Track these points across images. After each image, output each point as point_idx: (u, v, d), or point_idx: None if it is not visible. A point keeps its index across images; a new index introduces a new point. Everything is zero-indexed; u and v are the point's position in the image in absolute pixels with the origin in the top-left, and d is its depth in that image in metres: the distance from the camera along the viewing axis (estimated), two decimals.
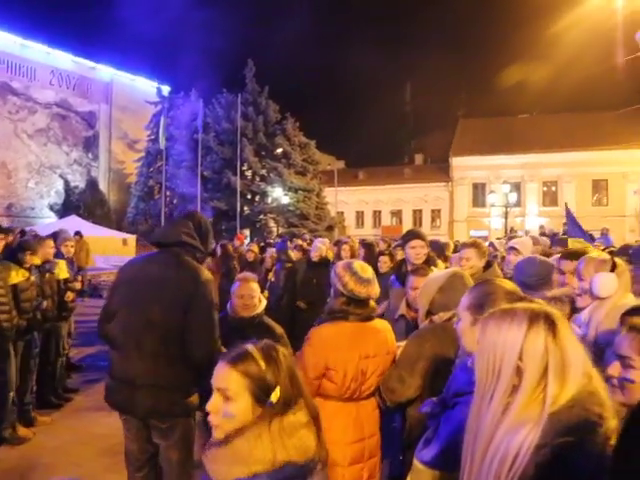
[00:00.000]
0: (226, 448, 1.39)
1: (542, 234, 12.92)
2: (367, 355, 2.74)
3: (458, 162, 39.93)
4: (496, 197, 30.04)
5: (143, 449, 3.05)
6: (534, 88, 67.68)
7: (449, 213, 41.13)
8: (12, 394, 5.09)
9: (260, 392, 1.41)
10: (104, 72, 36.64)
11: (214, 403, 1.42)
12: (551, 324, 1.32)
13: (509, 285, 2.02)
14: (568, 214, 5.82)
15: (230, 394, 1.40)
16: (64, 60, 34.14)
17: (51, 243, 6.12)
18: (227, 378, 1.42)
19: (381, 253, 6.54)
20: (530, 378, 1.28)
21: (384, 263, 6.07)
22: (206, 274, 3.06)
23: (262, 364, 1.44)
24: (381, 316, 3.37)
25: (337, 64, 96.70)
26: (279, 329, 3.67)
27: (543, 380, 1.28)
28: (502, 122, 40.68)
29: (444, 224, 41.17)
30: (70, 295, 6.25)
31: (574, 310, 2.90)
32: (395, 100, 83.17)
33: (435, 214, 42.13)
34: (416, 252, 4.22)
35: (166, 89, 36.87)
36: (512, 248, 5.07)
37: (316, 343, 2.72)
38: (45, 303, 5.56)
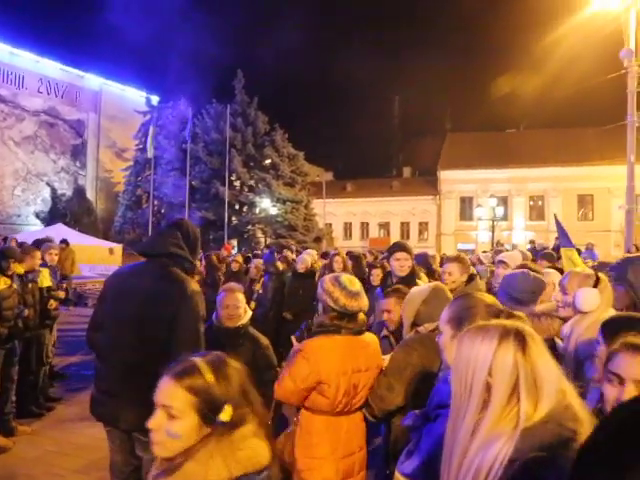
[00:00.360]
0: (178, 475, 1.28)
1: (532, 249, 12.99)
2: (359, 369, 2.74)
3: (446, 175, 40.23)
4: (483, 211, 30.25)
5: (127, 461, 3.01)
6: (521, 103, 68.63)
7: (437, 226, 41.34)
8: None
9: (207, 410, 1.29)
10: (93, 81, 36.60)
11: (156, 421, 1.31)
12: (521, 340, 1.32)
13: (489, 299, 2.05)
14: (558, 225, 5.87)
15: (174, 412, 1.29)
16: (53, 68, 34.06)
17: (39, 254, 6.08)
18: (171, 394, 1.30)
19: (373, 266, 6.54)
20: (499, 394, 1.29)
21: (376, 276, 6.04)
22: (193, 286, 3.00)
23: (210, 378, 1.31)
24: (369, 328, 3.37)
25: (326, 76, 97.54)
26: (265, 340, 3.67)
27: (514, 396, 1.28)
28: (489, 136, 41.16)
29: (431, 237, 41.36)
30: (53, 303, 6.18)
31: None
32: (384, 113, 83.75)
33: (423, 227, 42.31)
34: (400, 264, 4.25)
35: (155, 99, 36.84)
36: (501, 262, 5.09)
37: (310, 356, 2.69)
38: (27, 311, 5.48)
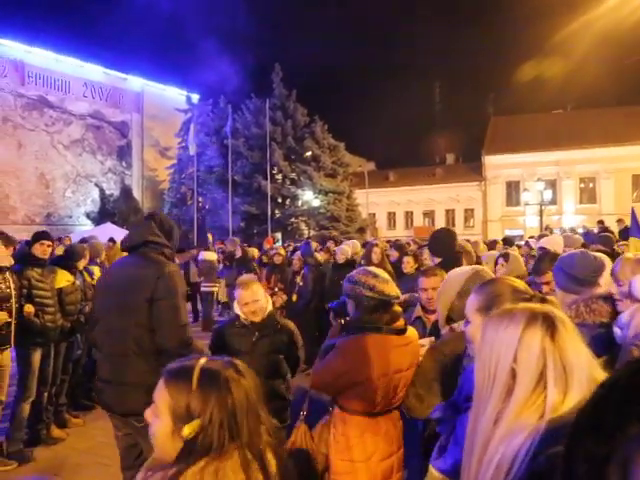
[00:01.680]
0: None
1: (603, 229, 12.18)
2: (400, 369, 2.62)
3: (491, 160, 39.30)
4: (530, 195, 29.38)
5: (131, 448, 3.10)
6: (567, 83, 66.29)
7: (482, 212, 40.51)
8: (46, 394, 5.22)
9: (178, 419, 1.18)
10: (135, 82, 37.40)
11: (147, 413, 1.26)
12: (550, 325, 1.23)
13: (519, 283, 1.92)
14: (633, 215, 5.67)
15: (156, 410, 1.23)
16: (96, 72, 34.98)
17: (88, 252, 6.36)
18: (157, 392, 1.24)
19: (405, 253, 6.45)
20: (524, 381, 1.20)
21: (407, 263, 6.00)
22: (171, 267, 3.10)
23: (193, 386, 1.20)
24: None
25: (365, 65, 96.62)
26: (291, 324, 3.68)
27: (540, 384, 1.19)
28: (535, 118, 39.91)
29: (477, 224, 40.55)
30: None
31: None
32: (425, 100, 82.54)
33: (468, 214, 41.54)
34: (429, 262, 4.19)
35: (195, 97, 37.36)
36: (541, 248, 4.90)
37: (348, 355, 2.58)
38: (88, 307, 5.68)
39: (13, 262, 4.78)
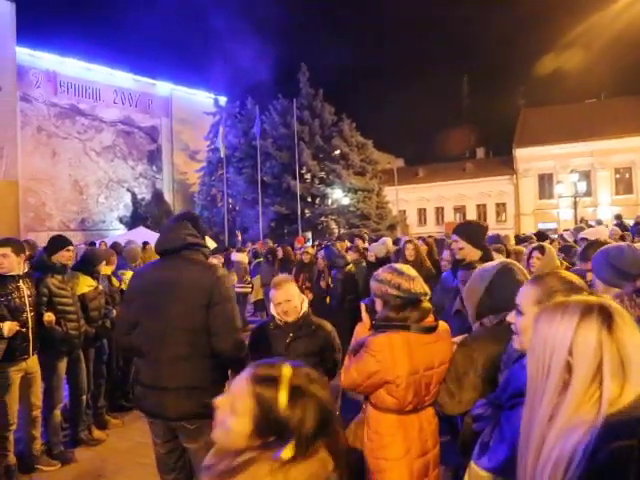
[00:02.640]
0: None
1: (619, 224, 12.16)
2: (432, 366, 2.58)
3: (522, 153, 38.62)
4: (564, 187, 28.73)
5: (170, 453, 3.10)
6: (600, 71, 64.56)
7: (515, 206, 39.84)
8: (84, 398, 5.30)
9: (265, 427, 1.18)
10: (163, 87, 37.93)
11: (222, 401, 1.26)
12: (607, 317, 1.18)
13: (575, 278, 1.87)
14: None
15: (235, 408, 1.22)
16: (125, 79, 35.60)
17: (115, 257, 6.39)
18: (240, 391, 1.23)
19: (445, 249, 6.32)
20: (580, 375, 1.16)
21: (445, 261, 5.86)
22: (221, 270, 3.14)
23: (283, 400, 1.18)
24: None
25: (390, 61, 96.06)
26: (328, 325, 3.61)
27: (597, 378, 1.15)
28: (567, 109, 39.02)
29: (510, 218, 39.90)
30: None
31: None
32: (453, 94, 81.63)
33: (500, 208, 40.91)
34: (453, 246, 4.13)
35: (223, 99, 37.68)
36: (584, 239, 4.76)
37: (377, 354, 2.53)
38: (114, 312, 5.69)
39: (27, 269, 4.68)
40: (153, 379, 2.97)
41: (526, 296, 1.80)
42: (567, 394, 1.16)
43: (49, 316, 4.66)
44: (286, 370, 1.23)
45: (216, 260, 6.24)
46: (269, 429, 1.18)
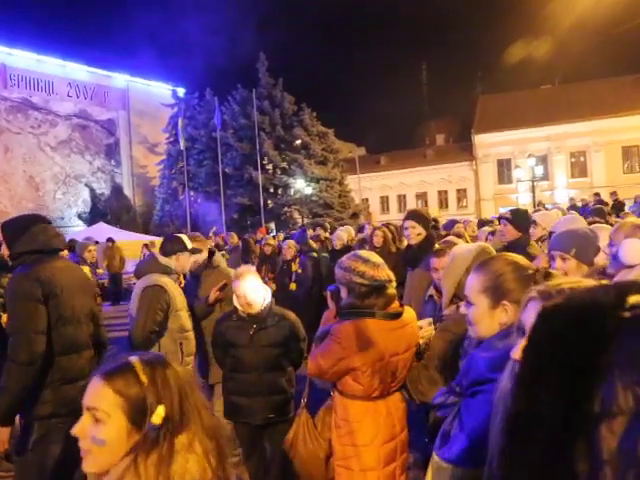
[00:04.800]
0: None
1: (572, 207, 12.56)
2: (397, 352, 2.59)
3: (481, 139, 39.23)
4: (522, 172, 29.36)
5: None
6: (553, 57, 66.04)
7: (475, 192, 40.51)
8: None
9: (137, 414, 1.17)
10: (119, 79, 37.04)
11: (82, 425, 1.19)
12: None
13: (518, 259, 1.86)
14: None
15: (99, 415, 1.17)
16: (80, 71, 34.61)
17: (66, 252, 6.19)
18: (98, 396, 1.18)
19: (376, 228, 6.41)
20: None
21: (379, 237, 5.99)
22: None
23: (144, 380, 1.19)
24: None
25: (350, 49, 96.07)
26: (292, 315, 3.61)
27: None
28: (524, 95, 39.77)
29: (471, 203, 40.58)
30: (96, 299, 6.30)
31: None
32: (411, 82, 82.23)
33: (461, 194, 41.54)
34: (408, 232, 4.16)
35: (181, 91, 37.05)
36: (533, 222, 4.88)
37: (343, 341, 2.54)
38: None
39: None
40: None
41: (472, 286, 1.79)
42: None
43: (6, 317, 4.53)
44: (132, 358, 1.24)
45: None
46: (143, 413, 1.17)
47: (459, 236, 5.14)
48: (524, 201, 32.95)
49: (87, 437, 1.18)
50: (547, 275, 1.71)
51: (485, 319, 1.72)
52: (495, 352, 1.61)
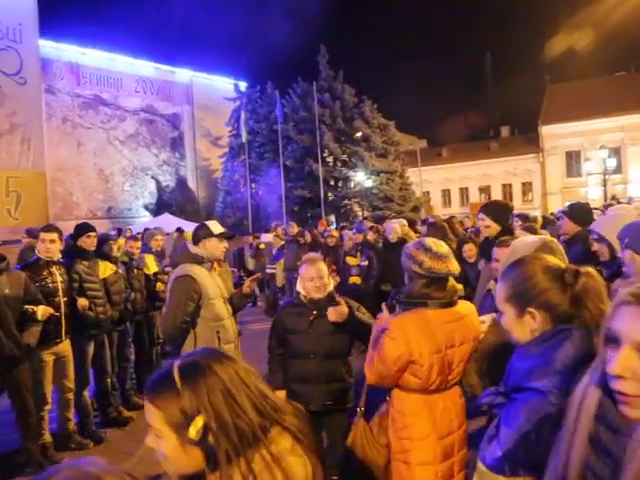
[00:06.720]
0: None
1: None
2: (452, 344, 2.52)
3: (548, 131, 37.82)
4: (593, 164, 28.13)
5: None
6: (630, 43, 62.51)
7: (541, 185, 39.14)
8: (109, 380, 5.42)
9: (179, 427, 1.11)
10: (184, 75, 38.00)
11: (149, 440, 1.18)
12: None
13: (549, 259, 1.74)
14: None
15: (156, 432, 1.15)
16: (146, 68, 35.74)
17: (138, 242, 6.43)
18: (148, 413, 1.16)
19: (464, 241, 6.15)
20: None
21: (469, 251, 5.72)
22: None
23: (179, 387, 1.13)
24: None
25: (412, 41, 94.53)
26: (354, 303, 3.57)
27: None
28: (596, 83, 37.97)
29: (536, 197, 39.26)
30: (161, 286, 6.49)
31: None
32: (475, 72, 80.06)
33: (526, 187, 40.27)
34: (479, 225, 4.11)
35: (243, 84, 37.61)
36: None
37: (397, 336, 2.49)
38: (133, 295, 5.81)
39: (60, 256, 4.83)
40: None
41: (498, 294, 1.73)
42: None
43: (83, 301, 4.81)
44: (174, 363, 1.19)
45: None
46: (188, 423, 1.11)
47: (530, 231, 4.93)
48: (594, 195, 31.50)
49: (157, 450, 1.17)
50: (577, 274, 1.61)
51: (516, 327, 1.66)
52: (532, 360, 1.56)
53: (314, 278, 3.40)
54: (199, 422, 1.10)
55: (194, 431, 1.10)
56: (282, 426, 1.16)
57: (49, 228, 4.80)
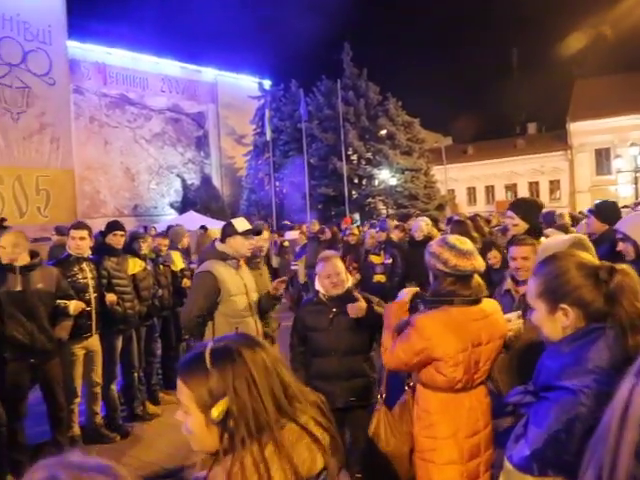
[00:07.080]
0: None
1: None
2: (479, 343, 2.50)
3: (577, 127, 37.10)
4: (623, 162, 27.54)
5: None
6: None
7: (569, 183, 38.44)
8: (136, 375, 5.51)
9: (205, 407, 1.16)
10: (208, 74, 38.27)
11: (178, 414, 1.24)
12: None
13: (583, 256, 1.71)
14: None
15: (184, 408, 1.21)
16: (172, 67, 36.09)
17: (166, 240, 6.52)
18: (179, 389, 1.22)
19: (488, 248, 5.98)
20: None
21: (494, 258, 5.58)
22: None
23: (209, 368, 1.18)
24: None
25: (436, 37, 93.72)
26: (374, 299, 3.59)
27: None
28: (626, 78, 37.01)
29: (564, 195, 38.58)
30: (187, 282, 6.56)
31: None
32: (501, 68, 79.02)
33: (554, 185, 39.58)
34: (507, 222, 4.04)
35: (267, 83, 37.77)
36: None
37: (423, 332, 2.49)
38: (160, 291, 5.90)
39: (90, 253, 4.95)
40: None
41: (530, 290, 1.71)
42: None
43: (111, 296, 4.91)
44: (207, 345, 1.23)
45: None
46: (213, 404, 1.16)
47: (564, 230, 4.84)
48: (625, 193, 30.83)
49: (183, 425, 1.22)
50: (612, 271, 1.58)
51: (547, 324, 1.64)
52: (562, 358, 1.54)
53: (331, 275, 3.43)
54: (222, 405, 1.15)
55: (216, 412, 1.14)
56: (296, 423, 1.20)
57: (79, 225, 4.93)
